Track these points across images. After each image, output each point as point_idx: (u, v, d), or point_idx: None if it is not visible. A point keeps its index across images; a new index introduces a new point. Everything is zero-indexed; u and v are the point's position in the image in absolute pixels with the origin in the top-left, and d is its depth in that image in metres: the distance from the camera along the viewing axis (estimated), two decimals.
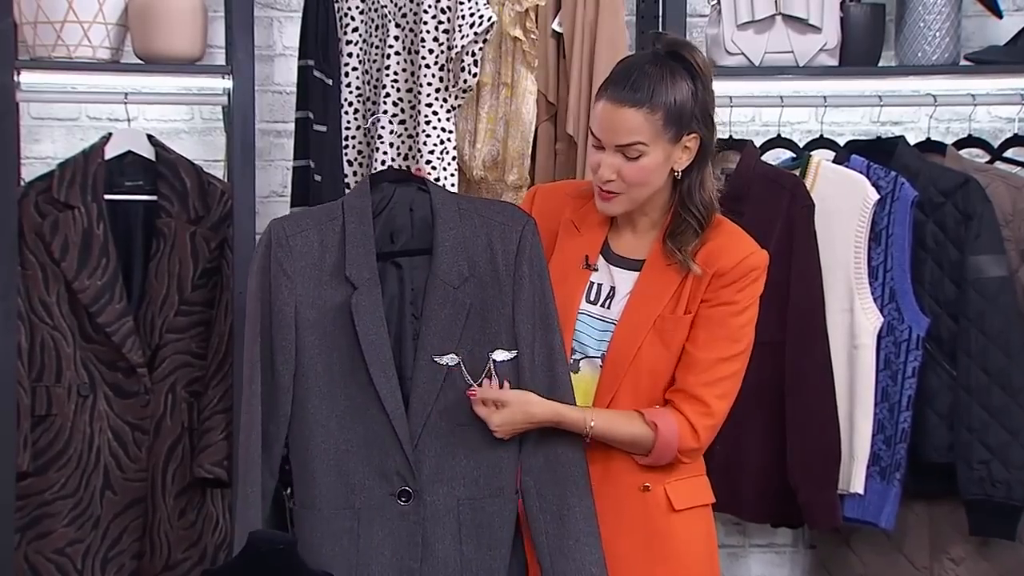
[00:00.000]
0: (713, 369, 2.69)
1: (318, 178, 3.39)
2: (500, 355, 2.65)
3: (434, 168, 3.33)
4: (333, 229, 2.66)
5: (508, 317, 2.65)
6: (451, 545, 2.63)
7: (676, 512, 2.72)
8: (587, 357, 2.74)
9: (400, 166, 3.42)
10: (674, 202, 2.74)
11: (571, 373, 2.73)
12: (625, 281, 2.75)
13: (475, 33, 3.28)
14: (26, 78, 3.41)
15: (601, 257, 2.78)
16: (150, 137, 3.55)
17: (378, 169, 3.39)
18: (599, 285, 2.77)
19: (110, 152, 3.49)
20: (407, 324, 2.66)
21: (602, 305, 2.75)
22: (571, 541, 2.64)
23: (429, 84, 3.34)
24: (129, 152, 3.51)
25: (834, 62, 3.58)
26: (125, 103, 3.53)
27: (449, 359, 2.63)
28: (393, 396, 2.60)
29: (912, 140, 3.65)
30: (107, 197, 3.45)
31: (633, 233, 2.78)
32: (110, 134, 3.52)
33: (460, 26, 3.28)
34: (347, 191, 3.44)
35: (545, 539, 2.66)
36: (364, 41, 3.48)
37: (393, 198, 2.71)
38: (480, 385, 2.63)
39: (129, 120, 3.56)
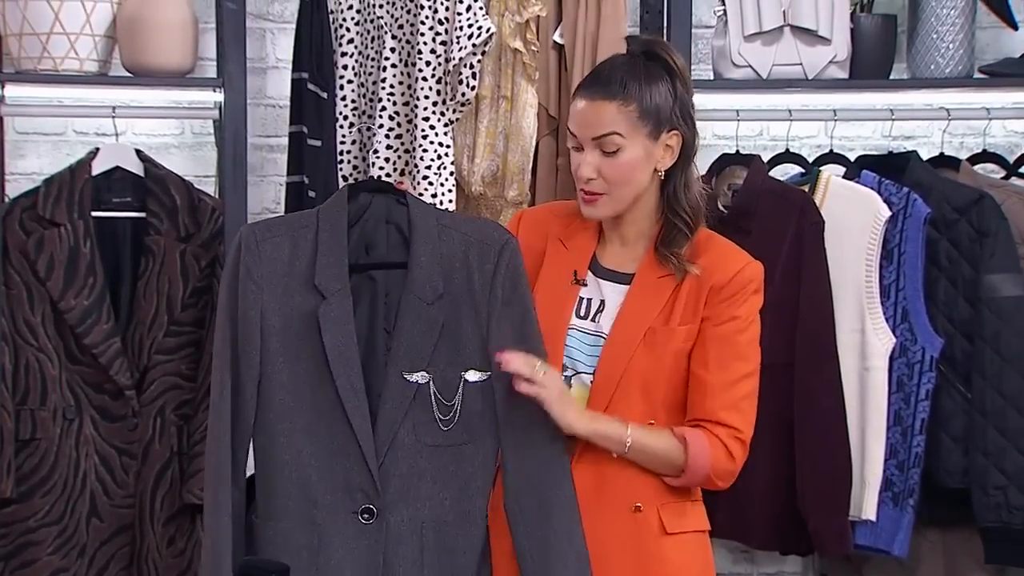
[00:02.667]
0: (730, 392, 2.65)
1: (312, 194, 3.35)
2: (473, 376, 2.61)
3: (431, 184, 3.29)
4: (306, 237, 2.61)
5: (482, 338, 2.61)
6: (412, 569, 2.58)
7: (668, 535, 2.67)
8: (577, 373, 2.71)
9: (395, 182, 3.36)
10: (662, 210, 2.72)
11: None
12: (614, 295, 2.72)
13: (473, 45, 3.25)
14: (11, 91, 3.40)
15: (590, 272, 2.75)
16: (139, 152, 3.50)
17: None
18: (588, 300, 2.74)
19: (97, 168, 3.45)
20: (379, 339, 2.61)
21: (592, 320, 2.72)
22: (558, 565, 2.58)
23: (426, 97, 3.32)
24: (117, 168, 3.47)
25: (844, 75, 3.54)
26: (113, 117, 3.49)
27: (420, 377, 2.57)
28: (359, 410, 2.55)
29: (925, 155, 3.62)
30: (94, 214, 3.40)
31: (622, 245, 2.75)
32: (97, 149, 3.48)
33: (458, 38, 3.24)
34: None
35: (531, 564, 2.60)
36: (360, 53, 3.45)
37: (370, 209, 2.66)
38: (451, 405, 2.59)
39: (117, 135, 3.52)
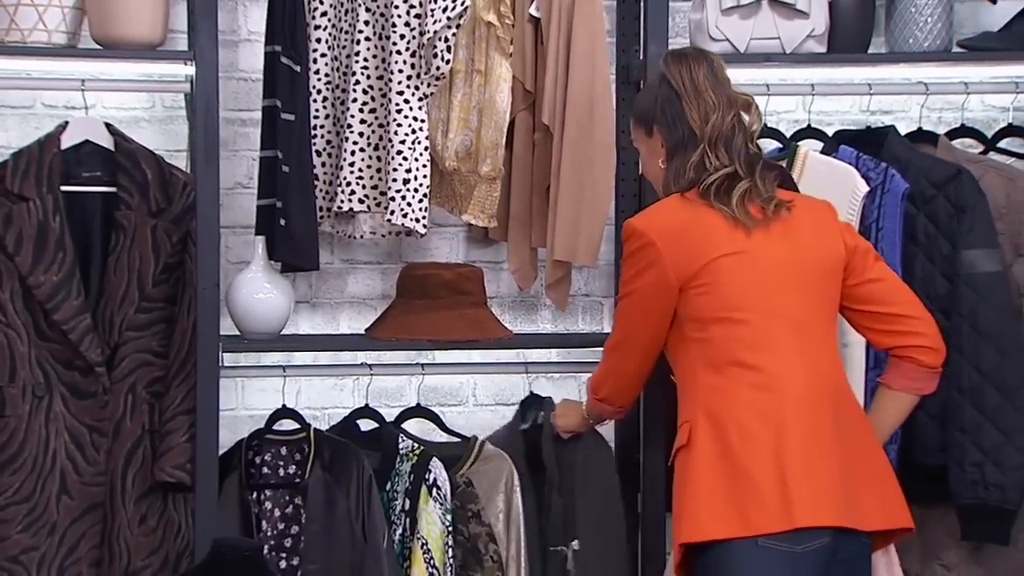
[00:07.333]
0: None
1: (286, 169, 3.33)
2: None
3: (405, 159, 3.28)
4: None
5: None
6: None
7: None
8: None
9: (370, 156, 3.38)
10: None
11: None
12: None
13: (448, 18, 3.23)
14: None
15: None
16: (108, 126, 3.45)
17: (347, 159, 3.32)
18: None
19: (66, 141, 3.40)
20: None
21: None
22: None
23: (400, 71, 3.30)
24: (87, 141, 3.42)
25: (822, 49, 3.52)
26: (82, 90, 3.43)
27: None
28: None
29: (903, 130, 3.60)
30: (64, 189, 3.35)
31: None
32: (66, 122, 3.43)
33: (432, 11, 3.22)
34: (315, 182, 3.39)
35: None
36: (333, 26, 3.41)
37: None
38: None
39: (87, 108, 3.47)
